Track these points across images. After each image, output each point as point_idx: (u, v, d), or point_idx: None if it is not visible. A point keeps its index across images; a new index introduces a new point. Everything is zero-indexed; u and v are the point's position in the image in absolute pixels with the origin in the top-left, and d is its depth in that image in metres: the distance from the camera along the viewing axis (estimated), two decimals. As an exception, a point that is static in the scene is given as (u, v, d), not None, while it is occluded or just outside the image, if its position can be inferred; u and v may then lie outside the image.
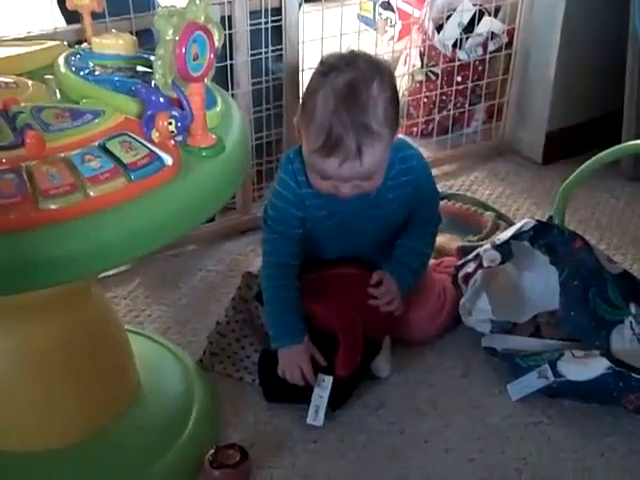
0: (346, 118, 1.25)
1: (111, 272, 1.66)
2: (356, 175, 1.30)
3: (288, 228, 1.43)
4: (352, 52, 1.34)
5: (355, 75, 1.27)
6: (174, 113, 1.02)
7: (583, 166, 1.57)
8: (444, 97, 2.20)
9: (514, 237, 1.47)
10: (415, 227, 1.49)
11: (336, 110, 1.26)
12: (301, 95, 1.49)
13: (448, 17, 2.18)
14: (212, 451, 1.24)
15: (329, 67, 1.30)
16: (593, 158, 1.56)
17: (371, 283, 1.43)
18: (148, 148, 1.00)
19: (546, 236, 1.46)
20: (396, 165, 1.41)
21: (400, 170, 1.42)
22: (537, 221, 1.48)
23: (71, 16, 1.51)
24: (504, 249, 1.48)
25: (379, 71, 1.30)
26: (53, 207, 0.92)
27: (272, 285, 1.43)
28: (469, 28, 2.16)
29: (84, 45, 1.31)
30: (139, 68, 1.20)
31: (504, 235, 1.50)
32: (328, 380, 1.35)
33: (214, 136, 1.07)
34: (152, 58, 1.08)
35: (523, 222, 1.49)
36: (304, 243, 1.45)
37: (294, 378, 1.36)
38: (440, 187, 2.01)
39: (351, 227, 1.45)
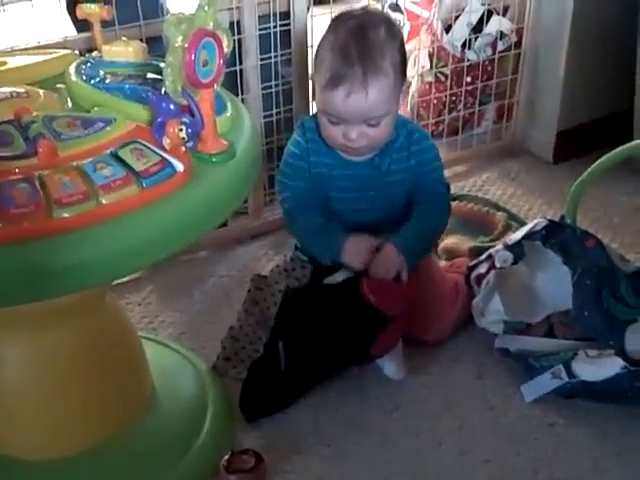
0: (354, 51, 1.34)
1: (124, 279, 1.67)
2: (362, 111, 1.35)
3: (300, 181, 1.49)
4: (365, 6, 1.48)
5: (365, 18, 1.38)
6: (184, 120, 1.03)
7: (594, 165, 1.57)
8: (454, 98, 2.20)
9: (526, 237, 1.47)
10: (421, 207, 1.49)
11: (345, 45, 1.35)
12: (311, 98, 1.52)
13: (456, 17, 2.17)
14: (227, 456, 1.24)
15: (343, 14, 1.41)
16: (604, 156, 1.56)
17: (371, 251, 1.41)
18: (159, 155, 1.01)
19: (558, 236, 1.45)
20: (401, 138, 1.47)
21: (405, 143, 1.47)
22: (549, 221, 1.47)
23: (81, 25, 1.52)
24: (516, 249, 1.47)
25: (389, 23, 1.41)
26: (66, 215, 0.92)
27: (302, 223, 1.47)
28: (478, 28, 2.16)
29: (94, 53, 1.32)
30: (149, 75, 1.21)
31: (516, 235, 1.50)
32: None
33: (225, 142, 1.08)
34: (162, 65, 1.09)
35: (535, 222, 1.49)
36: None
37: (365, 255, 1.37)
38: (451, 188, 2.00)
39: (357, 196, 1.48)
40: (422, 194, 1.50)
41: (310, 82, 1.47)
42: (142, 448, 1.27)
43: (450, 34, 2.18)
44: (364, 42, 1.35)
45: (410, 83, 2.26)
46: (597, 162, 1.56)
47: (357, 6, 1.47)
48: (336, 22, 1.41)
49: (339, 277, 1.39)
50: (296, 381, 1.40)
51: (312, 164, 1.48)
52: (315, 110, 1.47)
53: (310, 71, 1.81)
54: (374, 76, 1.34)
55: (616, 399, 1.36)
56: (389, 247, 1.39)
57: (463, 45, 2.16)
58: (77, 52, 1.36)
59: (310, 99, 1.81)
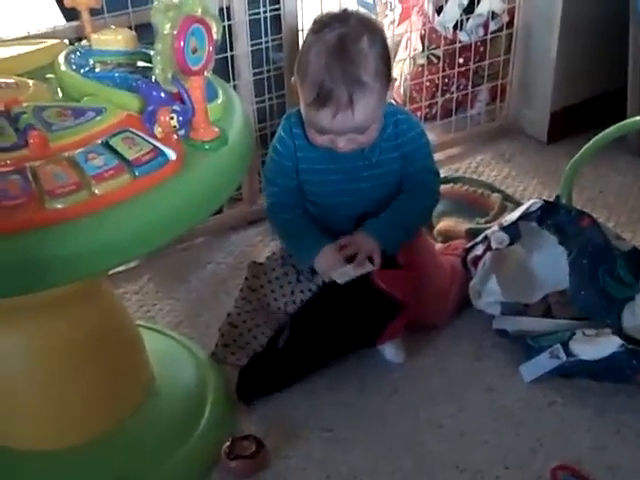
0: (337, 71, 1.32)
1: (121, 268, 1.67)
2: (349, 127, 1.36)
3: (285, 179, 1.50)
4: (344, 10, 1.42)
5: (345, 31, 1.34)
6: (175, 107, 1.02)
7: (589, 144, 1.57)
8: (446, 80, 2.19)
9: (522, 218, 1.47)
10: (406, 193, 1.50)
11: (327, 64, 1.33)
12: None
13: (448, -1, 2.17)
14: (228, 442, 1.25)
15: (321, 24, 1.37)
16: (598, 135, 1.56)
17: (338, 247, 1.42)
18: (151, 144, 1.00)
19: (554, 216, 1.45)
20: (389, 128, 1.46)
21: (392, 133, 1.47)
22: (544, 201, 1.47)
23: (70, 13, 1.51)
24: (512, 230, 1.47)
25: (369, 28, 1.37)
26: (59, 206, 0.92)
27: (281, 221, 1.50)
28: (469, 9, 2.15)
29: (84, 42, 1.31)
30: (139, 63, 1.20)
31: (511, 216, 1.50)
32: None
33: (217, 129, 1.07)
34: (151, 52, 1.08)
35: (530, 202, 1.48)
36: (312, 201, 1.50)
37: (336, 273, 1.38)
38: (446, 170, 2.02)
39: (347, 188, 1.48)
40: (409, 182, 1.50)
41: (293, 83, 1.43)
42: (143, 437, 1.28)
43: (441, 15, 2.17)
44: (347, 59, 1.32)
45: (396, 80, 2.25)
46: (591, 141, 1.56)
47: (338, 10, 1.43)
48: (316, 33, 1.37)
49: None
50: (293, 362, 1.40)
51: (300, 159, 1.48)
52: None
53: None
54: (360, 95, 1.33)
55: (614, 377, 1.36)
56: (357, 233, 1.43)
57: (455, 26, 2.16)
58: (66, 41, 1.35)
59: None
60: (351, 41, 1.33)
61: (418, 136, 1.50)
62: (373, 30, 1.38)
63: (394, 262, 1.42)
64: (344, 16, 1.38)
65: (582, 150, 1.57)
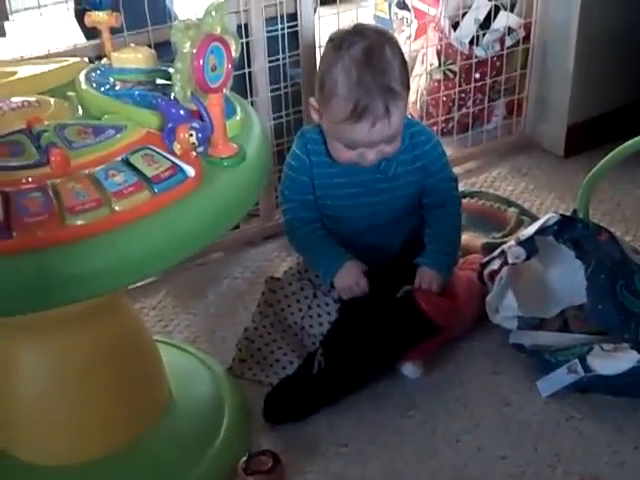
0: (370, 83, 1.34)
1: (138, 283, 1.67)
2: (384, 137, 1.39)
3: (302, 194, 1.51)
4: (357, 25, 1.44)
5: (369, 43, 1.37)
6: (194, 125, 1.03)
7: (606, 158, 1.56)
8: (463, 95, 2.20)
9: (538, 232, 1.47)
10: (436, 210, 1.51)
11: (359, 77, 1.35)
12: (310, 113, 1.52)
13: (464, 14, 2.17)
14: (245, 458, 1.24)
15: (340, 41, 1.39)
16: (616, 149, 1.55)
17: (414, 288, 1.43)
18: (170, 160, 1.01)
19: (571, 230, 1.45)
20: (406, 140, 1.48)
21: (409, 145, 1.49)
22: (561, 215, 1.47)
23: (90, 32, 1.53)
24: (529, 245, 1.47)
25: (386, 38, 1.41)
26: (80, 223, 0.93)
27: (301, 238, 1.51)
28: (485, 24, 2.16)
29: (104, 60, 1.33)
30: (159, 81, 1.21)
31: (528, 231, 1.50)
32: None
33: (235, 145, 1.08)
34: (171, 70, 1.09)
35: (547, 217, 1.48)
36: (331, 216, 1.52)
37: (355, 293, 1.41)
38: (462, 185, 2.01)
39: (364, 202, 1.49)
40: (433, 195, 1.52)
41: (312, 104, 1.45)
42: (160, 452, 1.28)
43: (458, 31, 2.18)
44: (377, 70, 1.35)
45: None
46: (609, 155, 1.56)
47: (345, 26, 1.46)
48: (338, 50, 1.38)
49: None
50: (329, 387, 1.39)
51: (315, 176, 1.49)
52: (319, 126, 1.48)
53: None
54: (394, 104, 1.36)
55: (632, 393, 1.36)
56: (427, 270, 1.44)
57: (471, 42, 2.16)
58: (86, 60, 1.37)
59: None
60: (377, 52, 1.36)
61: (435, 146, 1.53)
62: (390, 40, 1.41)
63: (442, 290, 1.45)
64: (360, 29, 1.40)
65: (599, 164, 1.56)
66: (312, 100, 1.45)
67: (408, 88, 1.43)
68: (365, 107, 1.34)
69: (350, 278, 1.43)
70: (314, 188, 1.50)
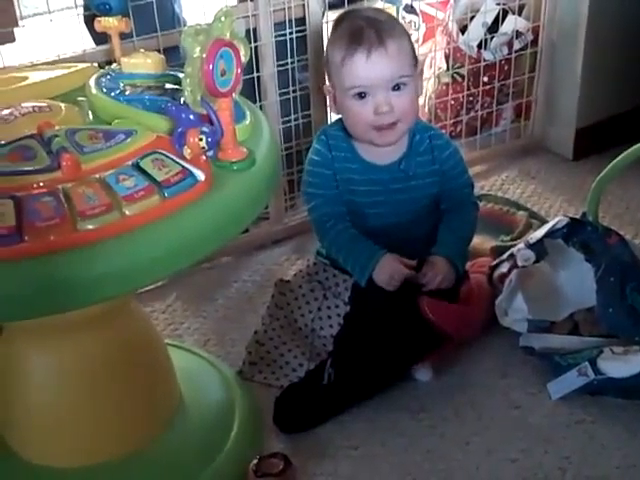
0: (363, 20, 1.40)
1: (148, 287, 1.68)
2: (384, 69, 1.38)
3: (327, 189, 1.49)
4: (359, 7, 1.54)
5: (369, 13, 1.44)
6: (204, 129, 1.04)
7: (615, 160, 1.56)
8: (471, 98, 2.20)
9: (548, 235, 1.47)
10: (453, 212, 1.52)
11: (356, 24, 1.40)
12: (329, 104, 1.53)
13: (472, 18, 2.17)
14: (256, 460, 1.25)
15: (338, 20, 1.45)
16: (625, 152, 1.55)
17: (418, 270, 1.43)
18: (180, 165, 1.02)
19: (580, 233, 1.45)
20: (425, 141, 1.50)
21: (428, 147, 1.50)
22: (570, 218, 1.47)
23: (99, 37, 1.54)
24: (538, 248, 1.47)
25: (387, 14, 1.48)
26: (91, 227, 0.94)
27: (333, 236, 1.48)
28: (493, 28, 2.16)
29: (114, 65, 1.34)
30: (168, 86, 1.22)
31: (537, 234, 1.50)
32: None
33: (244, 149, 1.09)
34: (180, 75, 1.10)
35: (556, 220, 1.48)
36: (357, 212, 1.51)
37: (397, 282, 1.39)
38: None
39: (383, 200, 1.49)
40: (451, 199, 1.52)
41: (326, 88, 1.47)
42: (171, 455, 1.28)
43: (466, 35, 2.18)
44: (375, 20, 1.40)
45: (422, 70, 2.27)
46: (618, 158, 1.56)
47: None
48: (339, 21, 1.45)
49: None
50: (339, 398, 1.39)
51: (337, 170, 1.49)
52: (334, 118, 1.50)
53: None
54: (388, 34, 1.38)
55: (643, 395, 1.36)
56: (439, 259, 1.42)
57: (479, 45, 2.16)
58: (96, 65, 1.38)
59: (328, 103, 1.82)
60: (377, 17, 1.41)
61: (454, 152, 1.53)
62: (389, 14, 1.51)
63: (455, 294, 1.44)
64: (361, 9, 1.51)
65: (609, 167, 1.56)
66: (326, 86, 1.48)
67: (412, 50, 1.44)
68: (358, 38, 1.37)
69: (389, 269, 1.41)
70: (337, 182, 1.49)
